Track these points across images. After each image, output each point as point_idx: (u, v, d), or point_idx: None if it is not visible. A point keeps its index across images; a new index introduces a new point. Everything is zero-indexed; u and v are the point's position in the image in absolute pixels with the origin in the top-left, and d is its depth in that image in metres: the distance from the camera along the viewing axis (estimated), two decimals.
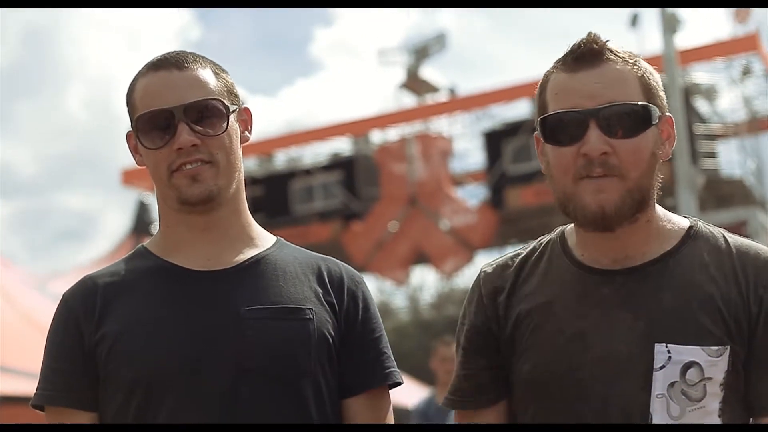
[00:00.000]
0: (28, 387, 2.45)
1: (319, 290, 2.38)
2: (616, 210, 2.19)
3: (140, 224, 23.45)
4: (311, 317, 2.31)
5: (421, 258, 30.53)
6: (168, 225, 2.42)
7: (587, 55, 2.23)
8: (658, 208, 2.34)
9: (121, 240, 23.13)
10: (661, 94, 2.30)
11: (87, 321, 2.31)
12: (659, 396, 2.16)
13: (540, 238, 2.47)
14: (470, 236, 29.82)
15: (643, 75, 2.26)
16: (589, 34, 2.26)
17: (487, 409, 2.42)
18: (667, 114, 2.30)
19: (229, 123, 2.34)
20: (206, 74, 2.35)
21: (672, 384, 2.16)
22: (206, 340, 2.25)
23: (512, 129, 29.30)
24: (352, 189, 30.30)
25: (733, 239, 2.30)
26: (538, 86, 2.34)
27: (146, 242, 2.47)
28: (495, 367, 2.39)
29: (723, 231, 2.33)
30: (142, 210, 23.94)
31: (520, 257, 2.44)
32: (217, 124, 2.31)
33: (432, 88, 32.85)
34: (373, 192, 30.43)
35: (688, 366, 2.15)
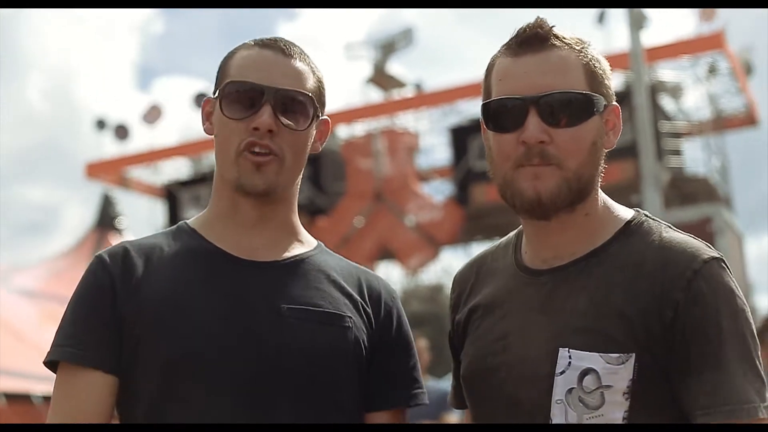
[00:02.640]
0: None
1: (359, 300, 2.36)
2: (551, 197, 2.16)
3: (105, 218, 23.30)
4: (350, 326, 2.29)
5: (386, 254, 30.55)
6: (220, 205, 2.37)
7: (531, 39, 2.20)
8: (604, 201, 2.29)
9: (85, 234, 22.95)
10: (608, 82, 2.25)
11: (124, 283, 2.25)
12: (558, 402, 2.11)
13: (507, 235, 2.45)
14: (435, 232, 29.85)
15: (588, 62, 2.21)
16: (537, 18, 2.22)
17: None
18: (614, 104, 2.25)
19: (311, 124, 2.33)
20: (307, 71, 2.33)
21: (570, 390, 2.11)
22: (245, 332, 2.21)
23: (479, 125, 29.21)
24: (317, 184, 30.23)
25: (667, 236, 2.20)
26: (484, 71, 2.30)
27: (190, 220, 2.43)
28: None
29: (664, 226, 2.24)
30: (107, 204, 23.77)
31: (483, 255, 2.46)
32: (300, 121, 2.30)
33: (398, 84, 32.86)
34: (338, 187, 30.40)
35: (585, 372, 2.09)
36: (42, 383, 14.79)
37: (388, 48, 32.41)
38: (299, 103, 2.28)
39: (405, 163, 30.61)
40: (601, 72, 2.23)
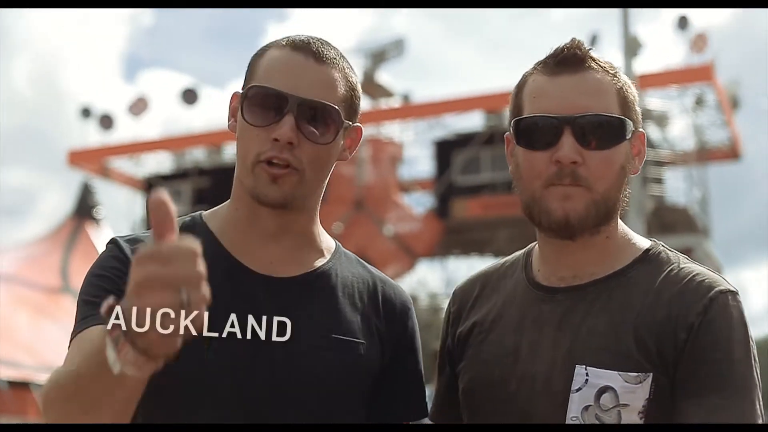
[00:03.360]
0: None
1: (373, 318, 2.29)
2: (579, 219, 2.16)
3: (83, 207, 23.11)
4: (362, 352, 2.23)
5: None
6: (238, 208, 2.25)
7: (569, 60, 2.20)
8: (622, 227, 2.30)
9: (62, 221, 22.83)
10: (637, 108, 2.26)
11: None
12: (573, 418, 2.11)
13: (515, 253, 2.45)
14: (413, 244, 29.88)
15: (621, 87, 2.22)
16: (573, 39, 2.24)
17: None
18: (641, 130, 2.27)
19: (337, 137, 2.20)
20: (338, 78, 2.20)
21: (586, 407, 2.10)
22: (251, 351, 2.11)
23: (464, 140, 29.43)
24: None
25: (686, 266, 2.22)
26: (514, 87, 2.30)
27: (207, 213, 2.32)
28: (454, 387, 2.40)
29: (682, 257, 2.26)
30: (86, 193, 23.63)
31: (489, 270, 2.45)
32: (324, 133, 2.16)
33: (386, 93, 32.95)
34: None
35: (603, 390, 2.10)
36: (7, 367, 14.72)
37: (378, 57, 32.50)
38: (325, 115, 2.17)
39: (387, 173, 30.65)
40: (632, 98, 2.24)
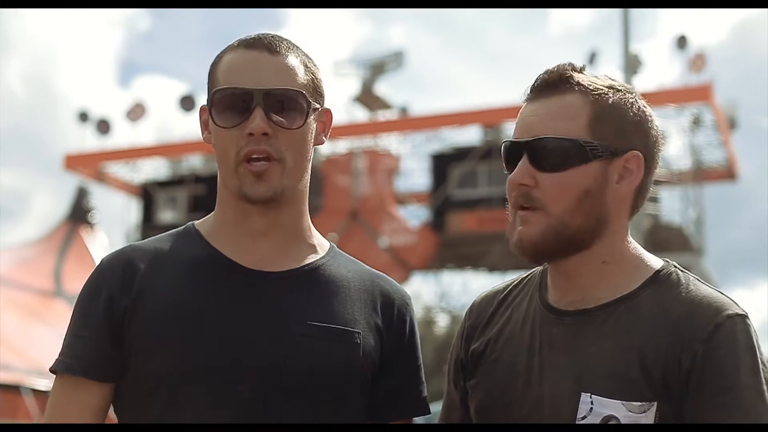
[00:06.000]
0: None
1: (369, 311, 2.30)
2: (533, 245, 2.16)
3: (78, 211, 23.09)
4: (359, 342, 2.24)
5: None
6: (226, 212, 2.29)
7: (541, 86, 2.21)
8: (634, 249, 2.26)
9: (56, 225, 22.79)
10: (630, 129, 2.20)
11: (122, 293, 2.20)
12: None
13: (532, 270, 2.42)
14: (408, 256, 29.88)
15: (602, 108, 2.18)
16: (559, 65, 2.23)
17: None
18: (632, 152, 2.20)
19: (307, 120, 2.24)
20: (296, 64, 2.25)
21: None
22: (246, 345, 2.15)
23: (460, 154, 29.45)
24: None
25: (695, 289, 2.17)
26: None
27: (198, 222, 2.36)
28: (466, 401, 2.39)
29: (692, 278, 2.22)
30: (81, 197, 23.60)
31: (506, 287, 2.43)
32: (294, 118, 2.20)
33: (384, 105, 32.94)
34: (315, 202, 30.34)
35: (607, 419, 2.07)
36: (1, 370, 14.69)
37: (377, 68, 32.50)
38: (291, 101, 2.21)
39: (383, 185, 30.66)
40: (615, 118, 2.19)
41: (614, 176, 2.19)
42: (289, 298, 2.22)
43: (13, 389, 14.70)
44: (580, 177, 2.16)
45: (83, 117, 33.54)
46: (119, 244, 31.60)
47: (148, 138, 34.29)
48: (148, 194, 33.44)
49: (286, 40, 2.29)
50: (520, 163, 2.17)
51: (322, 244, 2.37)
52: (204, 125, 2.30)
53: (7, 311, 16.46)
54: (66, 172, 33.71)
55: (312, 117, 2.26)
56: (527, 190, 2.16)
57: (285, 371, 2.15)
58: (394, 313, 2.34)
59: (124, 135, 34.59)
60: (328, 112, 2.34)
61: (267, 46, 2.23)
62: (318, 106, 2.28)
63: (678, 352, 2.07)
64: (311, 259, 2.31)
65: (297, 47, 2.29)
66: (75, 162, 33.56)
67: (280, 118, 2.19)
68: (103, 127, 33.25)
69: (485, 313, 2.41)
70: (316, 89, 2.28)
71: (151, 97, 75.32)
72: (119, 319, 2.18)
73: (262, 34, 2.27)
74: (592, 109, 2.17)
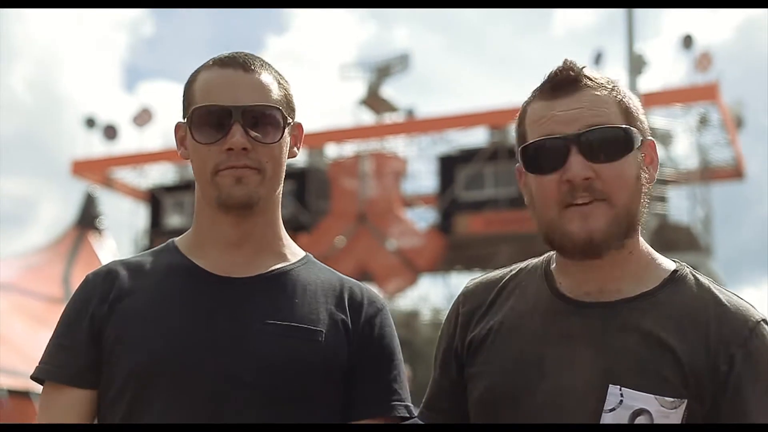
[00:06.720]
0: None
1: (336, 312, 2.34)
2: (603, 237, 2.13)
3: (86, 217, 23.05)
4: (321, 339, 2.27)
5: (364, 276, 30.49)
6: (201, 224, 2.38)
7: (564, 82, 2.19)
8: (644, 245, 2.28)
9: (64, 231, 22.78)
10: (642, 118, 2.24)
11: (100, 304, 2.31)
12: None
13: (528, 260, 2.42)
14: (416, 259, 29.88)
15: (621, 99, 2.20)
16: (565, 61, 2.22)
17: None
18: (650, 138, 2.25)
19: (284, 134, 2.31)
20: (270, 81, 2.32)
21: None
22: (207, 345, 2.22)
23: (467, 156, 29.44)
24: (302, 200, 30.23)
25: (719, 291, 2.20)
26: (516, 117, 2.29)
27: (177, 238, 2.45)
28: (458, 388, 2.36)
29: (711, 281, 2.24)
30: (89, 203, 23.60)
31: (504, 275, 2.41)
32: (271, 133, 2.28)
33: (391, 108, 32.95)
34: (322, 205, 30.40)
35: (638, 413, 2.07)
36: (7, 376, 14.70)
37: (383, 71, 32.51)
38: (268, 116, 2.28)
39: (391, 187, 30.66)
40: (634, 107, 2.23)
41: (644, 163, 2.23)
42: (252, 300, 2.29)
43: (23, 395, 14.71)
44: (631, 164, 2.18)
45: (90, 123, 33.62)
46: (127, 249, 31.70)
47: (155, 143, 34.36)
48: (155, 199, 33.49)
49: (258, 58, 2.36)
50: (572, 158, 2.13)
51: (295, 253, 2.44)
52: (180, 141, 2.38)
53: (16, 318, 16.48)
54: (73, 178, 33.79)
55: (287, 131, 2.33)
56: (589, 183, 2.13)
57: (245, 369, 2.20)
58: (362, 314, 2.36)
59: (131, 140, 34.70)
60: (300, 126, 2.42)
61: (242, 64, 2.30)
62: (291, 121, 2.35)
63: (713, 355, 2.09)
64: (279, 265, 2.37)
65: (269, 64, 2.36)
66: (82, 168, 33.62)
67: (258, 134, 2.26)
68: (110, 132, 33.33)
69: (483, 300, 2.39)
70: (289, 104, 2.35)
71: (157, 102, 75.44)
72: (98, 326, 2.29)
73: (236, 53, 2.35)
74: (617, 101, 2.20)
